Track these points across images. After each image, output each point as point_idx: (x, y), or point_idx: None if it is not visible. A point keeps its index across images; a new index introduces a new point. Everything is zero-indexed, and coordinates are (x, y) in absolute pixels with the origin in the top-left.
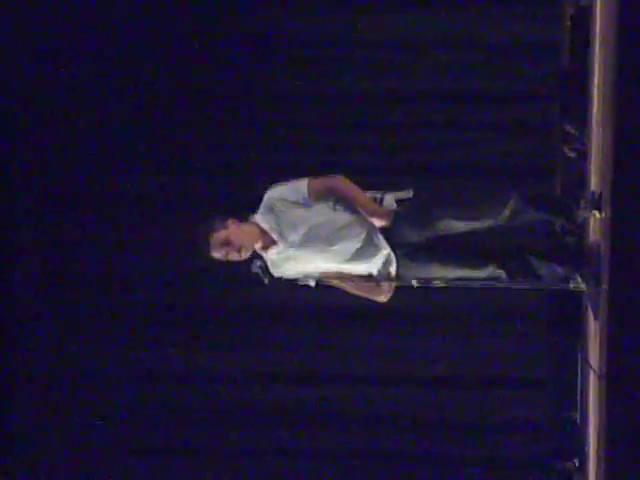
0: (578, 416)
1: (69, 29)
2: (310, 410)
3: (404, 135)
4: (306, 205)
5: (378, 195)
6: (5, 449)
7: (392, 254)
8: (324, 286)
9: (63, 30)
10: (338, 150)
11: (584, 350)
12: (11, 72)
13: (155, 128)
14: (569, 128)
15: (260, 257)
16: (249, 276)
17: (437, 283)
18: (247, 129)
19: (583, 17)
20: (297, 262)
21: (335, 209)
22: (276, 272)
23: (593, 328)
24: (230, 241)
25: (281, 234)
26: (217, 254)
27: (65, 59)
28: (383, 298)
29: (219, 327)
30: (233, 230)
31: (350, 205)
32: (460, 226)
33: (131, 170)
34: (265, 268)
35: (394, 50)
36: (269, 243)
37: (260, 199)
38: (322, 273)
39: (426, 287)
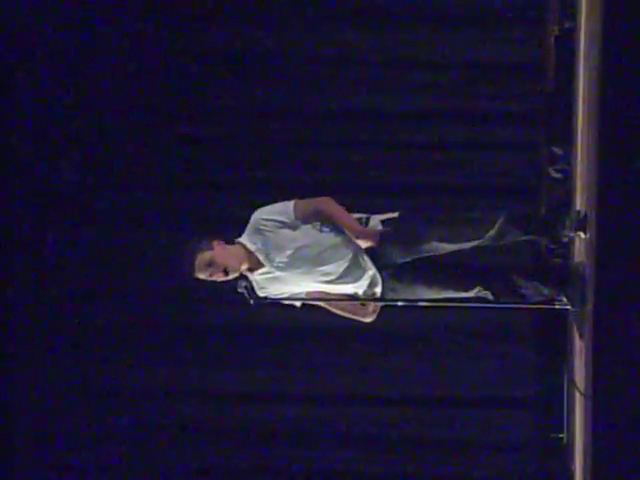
0: (564, 436)
1: (70, 31)
2: (296, 429)
3: (389, 155)
4: (292, 226)
5: (364, 217)
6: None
7: (378, 275)
8: (310, 306)
9: (63, 31)
10: (324, 169)
11: (570, 370)
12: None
13: (146, 146)
14: (554, 149)
15: (246, 277)
16: (235, 296)
17: (422, 303)
18: (235, 148)
19: (567, 38)
20: (283, 283)
21: (321, 230)
22: (262, 293)
23: (579, 348)
24: (215, 262)
25: (267, 255)
26: (202, 275)
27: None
28: (368, 319)
29: (205, 346)
30: (218, 251)
31: (336, 226)
32: (445, 247)
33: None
34: (251, 288)
35: (380, 69)
36: (255, 264)
37: (247, 220)
38: (308, 294)
39: (411, 307)
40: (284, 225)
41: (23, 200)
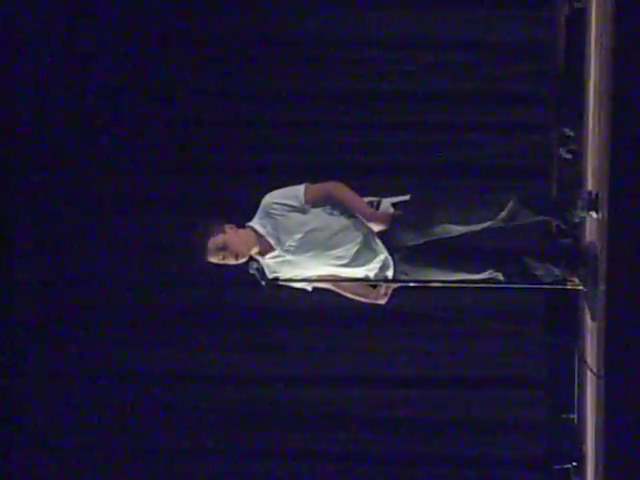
0: (576, 417)
1: (70, 28)
2: (308, 411)
3: (399, 137)
4: (303, 210)
5: (375, 200)
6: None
7: (389, 258)
8: (321, 289)
9: (63, 28)
10: (335, 151)
11: (582, 351)
12: (11, 71)
13: (154, 129)
14: (565, 129)
15: (257, 260)
16: (248, 278)
17: (434, 285)
18: (244, 132)
19: (578, 18)
20: (294, 267)
21: (332, 214)
22: (273, 276)
23: (590, 328)
24: (227, 246)
25: (278, 239)
26: (213, 259)
27: (67, 58)
28: (380, 301)
29: (217, 328)
30: (230, 235)
31: (347, 210)
32: (457, 229)
33: (131, 171)
34: (262, 271)
35: (391, 50)
36: (266, 248)
37: (257, 204)
38: (319, 277)
39: (423, 289)
40: (294, 209)
41: (27, 175)
